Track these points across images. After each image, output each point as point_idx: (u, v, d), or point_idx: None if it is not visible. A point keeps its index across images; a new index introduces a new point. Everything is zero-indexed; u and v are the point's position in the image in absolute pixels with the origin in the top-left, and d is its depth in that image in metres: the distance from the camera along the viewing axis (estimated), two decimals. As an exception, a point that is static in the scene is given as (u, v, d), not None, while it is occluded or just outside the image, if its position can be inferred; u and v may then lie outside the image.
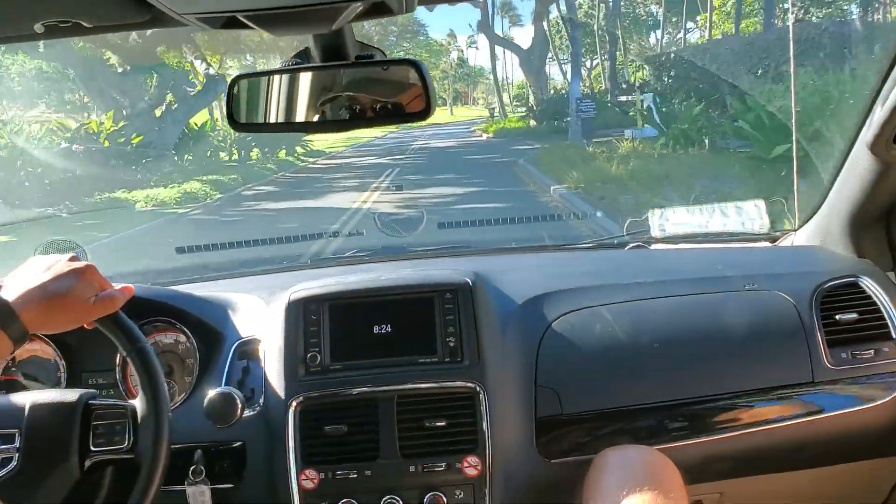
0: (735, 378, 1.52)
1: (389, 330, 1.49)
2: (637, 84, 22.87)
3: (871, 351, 1.55)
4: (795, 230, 1.98)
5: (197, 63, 19.86)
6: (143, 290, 1.51)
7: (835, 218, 1.78)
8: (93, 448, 1.21)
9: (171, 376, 1.54)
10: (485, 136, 25.61)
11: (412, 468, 1.39)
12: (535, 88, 27.90)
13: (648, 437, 1.48)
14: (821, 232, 1.85)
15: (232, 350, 1.54)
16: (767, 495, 1.65)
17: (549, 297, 1.62)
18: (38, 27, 0.89)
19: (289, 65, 1.14)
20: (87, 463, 1.20)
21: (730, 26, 21.34)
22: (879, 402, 1.53)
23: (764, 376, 1.53)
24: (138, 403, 1.22)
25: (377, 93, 1.15)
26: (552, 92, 28.83)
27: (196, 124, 19.42)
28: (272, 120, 1.19)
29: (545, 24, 28.40)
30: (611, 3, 28.27)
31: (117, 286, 1.20)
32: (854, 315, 1.59)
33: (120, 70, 18.62)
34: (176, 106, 18.75)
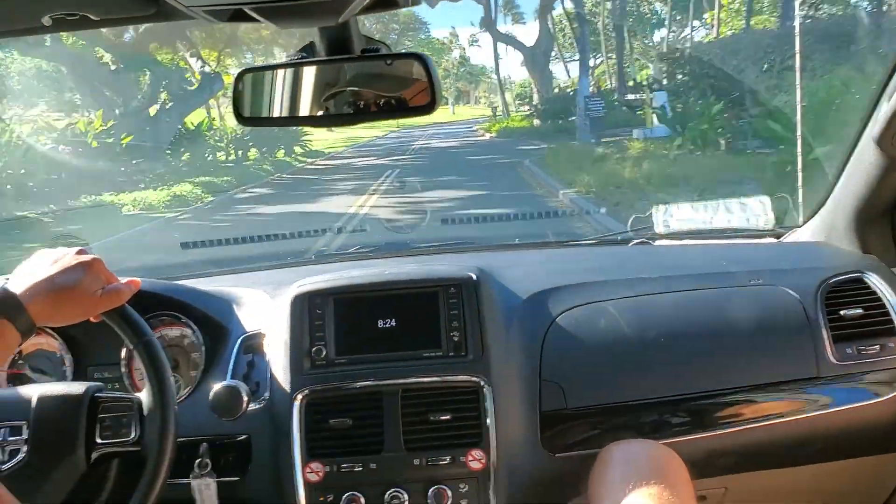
0: (740, 373, 1.52)
1: (394, 324, 1.49)
2: (647, 82, 22.17)
3: (877, 346, 1.55)
4: (800, 226, 1.98)
5: (192, 60, 19.34)
6: (148, 284, 1.52)
7: (840, 213, 1.78)
8: (99, 440, 1.21)
9: (176, 370, 1.55)
10: (487, 135, 25.22)
11: (417, 461, 1.39)
12: (539, 87, 27.48)
13: (653, 432, 1.49)
14: (826, 227, 1.85)
15: (237, 344, 1.54)
16: (772, 490, 1.65)
17: (554, 292, 1.62)
18: (46, 20, 0.89)
19: (294, 59, 1.14)
20: (94, 455, 1.21)
21: (739, 23, 21.03)
22: (884, 398, 1.53)
23: (769, 371, 1.53)
24: (144, 396, 1.22)
25: (382, 87, 1.15)
26: (556, 90, 28.60)
27: (192, 123, 19.00)
28: (277, 114, 1.19)
29: (549, 20, 28.11)
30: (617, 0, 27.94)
31: (123, 280, 1.21)
32: (859, 310, 1.58)
33: (113, 67, 18.10)
34: (171, 104, 18.27)
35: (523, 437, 1.46)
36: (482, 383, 1.43)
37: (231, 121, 20.97)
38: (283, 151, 20.04)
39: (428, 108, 1.13)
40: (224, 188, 14.30)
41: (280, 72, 1.17)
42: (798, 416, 1.52)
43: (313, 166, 19.02)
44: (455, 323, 1.48)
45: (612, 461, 1.32)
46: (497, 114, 33.58)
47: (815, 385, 1.53)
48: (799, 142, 2.39)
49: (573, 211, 8.41)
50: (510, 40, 30.50)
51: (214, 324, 1.58)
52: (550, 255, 2.08)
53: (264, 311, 1.60)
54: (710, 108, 12.92)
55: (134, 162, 15.31)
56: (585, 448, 1.46)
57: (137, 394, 1.25)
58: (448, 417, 1.42)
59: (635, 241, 2.05)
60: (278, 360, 1.49)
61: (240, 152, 19.07)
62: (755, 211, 2.14)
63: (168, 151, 16.99)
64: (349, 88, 1.16)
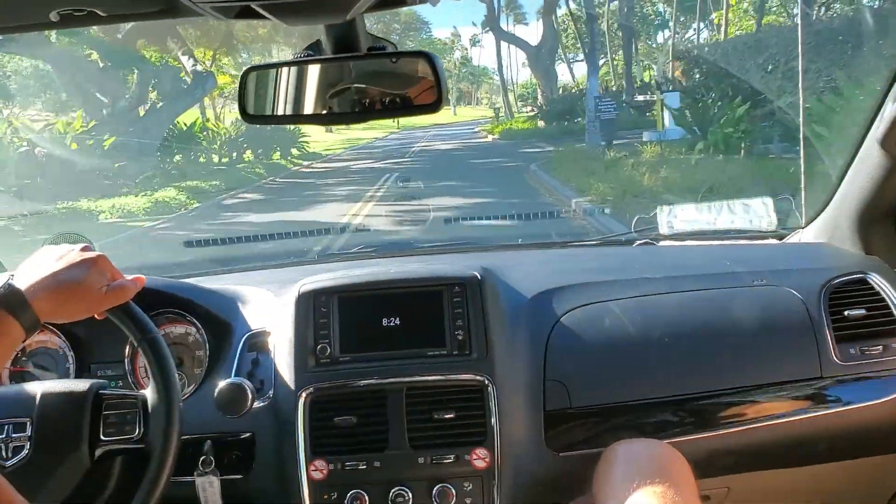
0: (743, 373, 1.53)
1: (398, 323, 1.49)
2: (657, 82, 21.58)
3: (880, 347, 1.55)
4: (803, 227, 1.98)
5: (184, 59, 18.70)
6: (153, 281, 1.52)
7: (843, 214, 1.78)
8: (103, 437, 1.21)
9: (181, 367, 1.55)
10: (490, 137, 24.88)
11: (421, 460, 1.39)
12: (543, 87, 27.15)
13: (656, 431, 1.48)
14: (829, 228, 1.85)
15: (242, 342, 1.54)
16: (775, 490, 1.65)
17: (558, 291, 1.62)
18: (54, 15, 0.89)
19: (300, 57, 1.14)
20: (98, 452, 1.21)
21: (748, 24, 20.73)
22: (887, 398, 1.53)
23: (772, 371, 1.53)
24: (149, 393, 1.22)
25: (388, 85, 1.16)
26: (561, 91, 28.30)
27: (185, 124, 18.31)
28: (282, 112, 1.20)
29: (554, 18, 27.80)
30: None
31: (128, 277, 1.21)
32: (862, 311, 1.59)
33: (101, 65, 17.23)
34: (161, 104, 17.60)
35: (527, 436, 1.46)
36: (486, 382, 1.43)
37: (226, 121, 20.24)
38: (279, 153, 19.51)
39: (433, 106, 1.13)
40: (211, 193, 13.68)
41: (286, 69, 1.17)
42: (801, 417, 1.52)
43: (308, 169, 18.49)
44: (459, 322, 1.48)
45: (616, 460, 1.32)
46: (500, 115, 33.29)
47: (818, 385, 1.53)
48: (801, 143, 2.39)
49: (590, 227, 7.63)
50: (514, 39, 30.35)
51: (219, 321, 1.58)
52: (554, 255, 2.08)
53: (269, 309, 1.60)
54: (734, 110, 12.19)
55: (117, 165, 14.59)
56: (589, 447, 1.46)
57: (142, 391, 1.25)
58: (452, 416, 1.42)
59: (639, 241, 2.05)
60: (283, 357, 1.49)
61: (234, 154, 18.49)
62: (758, 212, 2.14)
63: (159, 154, 16.40)
64: (355, 86, 1.16)
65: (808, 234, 1.94)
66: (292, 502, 1.41)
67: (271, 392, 1.47)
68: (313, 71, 1.16)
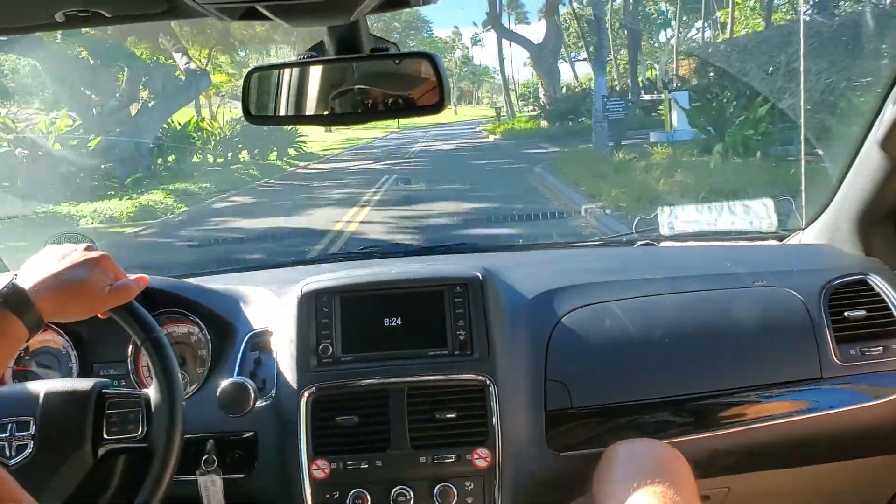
0: (743, 374, 1.53)
1: (400, 323, 1.49)
2: (665, 81, 20.94)
3: (880, 348, 1.56)
4: (803, 228, 1.99)
5: (177, 56, 18.12)
6: (156, 281, 1.53)
7: (843, 216, 1.78)
8: (106, 436, 1.22)
9: (183, 367, 1.55)
10: (492, 137, 24.55)
11: (422, 459, 1.40)
12: (546, 86, 26.73)
13: (657, 431, 1.49)
14: (829, 230, 1.86)
15: (244, 341, 1.55)
16: (775, 491, 1.65)
17: (559, 292, 1.63)
18: (59, 16, 0.90)
19: (303, 58, 1.15)
20: (101, 451, 1.21)
21: (755, 22, 20.44)
22: (887, 399, 1.53)
23: (772, 372, 1.53)
24: (152, 392, 1.23)
25: (390, 86, 1.16)
26: (564, 90, 27.96)
27: (178, 123, 17.74)
28: (285, 113, 1.20)
29: (556, 17, 27.52)
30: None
31: (132, 276, 1.21)
32: (862, 312, 1.59)
33: (91, 62, 16.27)
34: (153, 103, 16.90)
35: (528, 435, 1.46)
36: (488, 382, 1.43)
37: (222, 121, 19.64)
38: (275, 153, 18.98)
39: (436, 107, 1.14)
40: (201, 197, 12.98)
41: (289, 70, 1.18)
42: (801, 417, 1.52)
43: (304, 170, 18.02)
44: (461, 322, 1.48)
45: (617, 460, 1.32)
46: (501, 114, 33.04)
47: (818, 386, 1.53)
48: (801, 144, 2.39)
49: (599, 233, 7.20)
50: (517, 37, 30.09)
51: (222, 321, 1.59)
52: (555, 255, 2.08)
53: (271, 308, 1.60)
54: (755, 110, 11.41)
55: (103, 166, 13.97)
56: (590, 447, 1.47)
57: (145, 390, 1.25)
58: (454, 416, 1.42)
59: (640, 242, 2.06)
60: (285, 357, 1.49)
61: (229, 154, 17.94)
62: (759, 213, 2.15)
63: (150, 154, 15.75)
64: (357, 87, 1.17)
65: (808, 236, 1.95)
66: (294, 502, 1.41)
67: (273, 391, 1.48)
68: (316, 72, 1.17)
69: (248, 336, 1.56)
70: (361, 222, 8.89)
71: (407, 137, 26.00)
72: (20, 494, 1.05)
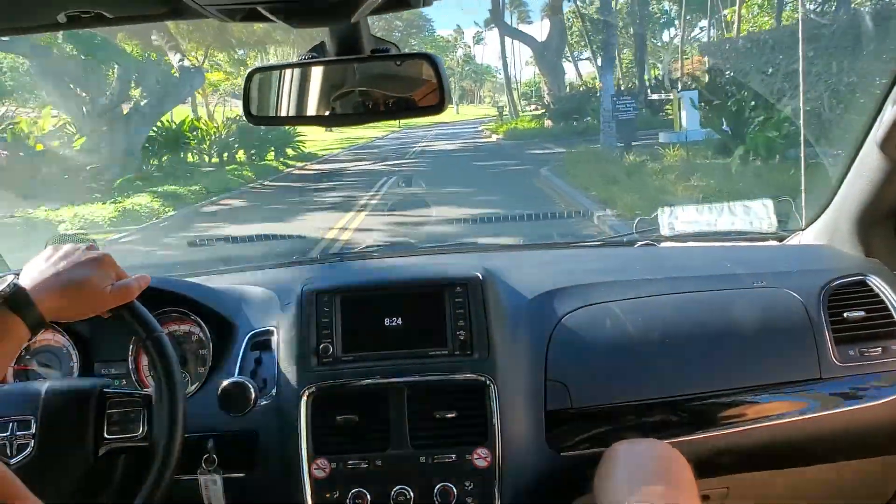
0: (743, 374, 1.53)
1: (400, 323, 1.50)
2: (673, 80, 20.22)
3: (879, 349, 1.56)
4: (803, 229, 1.99)
5: (171, 54, 17.05)
6: (157, 280, 1.53)
7: (843, 216, 1.78)
8: (107, 436, 1.22)
9: (184, 366, 1.56)
10: (494, 137, 24.15)
11: (422, 459, 1.40)
12: (550, 85, 26.16)
13: (657, 432, 1.49)
14: (829, 230, 1.86)
15: (245, 341, 1.55)
16: (774, 491, 1.66)
17: (559, 292, 1.63)
18: (62, 17, 0.90)
19: (304, 58, 1.15)
20: (102, 450, 1.22)
21: (764, 20, 20.12)
22: (886, 400, 1.53)
23: (772, 373, 1.54)
24: (153, 392, 1.23)
25: (391, 87, 1.17)
26: (569, 88, 27.58)
27: (173, 122, 17.06)
28: (286, 113, 1.21)
29: (561, 14, 27.27)
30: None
31: (133, 276, 1.21)
32: (862, 313, 1.59)
33: (81, 59, 15.53)
34: (144, 102, 15.94)
35: (528, 435, 1.46)
36: (488, 382, 1.44)
37: (219, 119, 19.14)
38: (273, 153, 18.34)
39: (436, 108, 1.14)
40: (190, 200, 12.26)
41: (290, 71, 1.18)
42: (800, 418, 1.52)
43: (300, 172, 17.23)
44: (461, 322, 1.49)
45: (617, 460, 1.33)
46: (504, 114, 32.75)
47: (817, 386, 1.53)
48: (802, 144, 2.40)
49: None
50: (521, 35, 29.78)
51: (223, 321, 1.59)
52: (556, 256, 2.08)
53: (272, 308, 1.61)
54: (778, 110, 10.57)
55: (88, 168, 13.27)
56: (590, 447, 1.47)
57: (146, 389, 1.26)
58: (454, 415, 1.42)
59: (640, 242, 2.06)
60: (286, 357, 1.50)
61: (225, 155, 17.33)
62: (759, 214, 2.15)
63: (139, 155, 15.11)
64: (358, 88, 1.17)
65: (808, 236, 1.95)
66: (295, 501, 1.42)
67: (274, 391, 1.48)
68: (317, 72, 1.17)
69: (248, 335, 1.56)
70: (357, 230, 8.36)
71: (408, 137, 25.66)
72: (22, 493, 1.05)
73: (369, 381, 1.45)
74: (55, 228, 9.69)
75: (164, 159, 15.98)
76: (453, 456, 1.41)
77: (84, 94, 15.52)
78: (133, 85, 16.27)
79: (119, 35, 15.80)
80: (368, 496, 1.39)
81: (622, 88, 22.62)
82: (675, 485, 1.22)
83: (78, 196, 11.36)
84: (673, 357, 1.54)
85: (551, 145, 16.89)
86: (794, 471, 1.59)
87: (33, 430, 1.20)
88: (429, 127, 29.54)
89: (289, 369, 1.48)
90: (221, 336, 1.58)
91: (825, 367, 1.53)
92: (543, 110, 26.27)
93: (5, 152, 12.60)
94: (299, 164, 18.27)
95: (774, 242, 2.03)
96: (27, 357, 1.59)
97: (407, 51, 1.15)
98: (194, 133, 17.51)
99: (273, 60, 1.20)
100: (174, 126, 16.97)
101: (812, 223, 1.94)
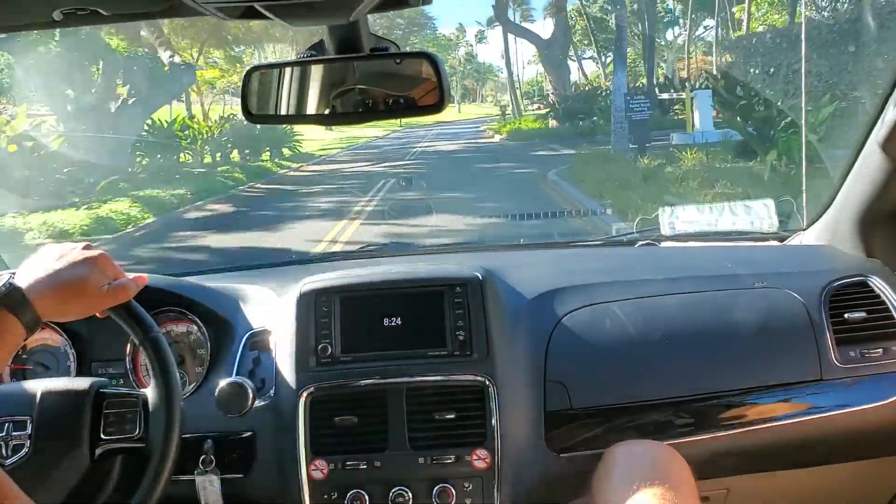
0: (743, 375, 1.53)
1: (399, 323, 1.49)
2: (684, 78, 19.95)
3: (880, 350, 1.55)
4: (804, 229, 1.98)
5: (161, 50, 16.57)
6: (155, 279, 1.52)
7: (844, 217, 1.78)
8: (104, 436, 1.21)
9: (182, 366, 1.55)
10: (497, 137, 23.59)
11: (421, 460, 1.40)
12: (555, 84, 25.82)
13: (657, 433, 1.49)
14: (830, 231, 1.85)
15: (243, 340, 1.54)
16: (774, 493, 1.65)
17: (559, 292, 1.62)
18: (57, 14, 0.90)
19: (304, 57, 1.15)
20: (98, 451, 1.21)
21: (774, 18, 19.85)
22: (887, 401, 1.53)
23: (772, 373, 1.53)
24: (150, 392, 1.22)
25: (391, 86, 1.16)
26: (574, 87, 27.18)
27: (165, 121, 16.48)
28: (285, 112, 1.20)
29: (565, 11, 26.95)
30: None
31: (130, 275, 1.21)
32: (863, 314, 1.59)
33: (65, 54, 14.60)
34: (133, 100, 15.40)
35: (528, 436, 1.46)
36: (487, 383, 1.43)
37: (214, 118, 18.62)
38: (268, 153, 17.70)
39: (436, 107, 1.14)
40: (173, 205, 11.47)
41: (289, 69, 1.18)
42: (801, 419, 1.52)
43: (294, 174, 16.57)
44: (460, 322, 1.48)
45: (616, 461, 1.32)
46: (507, 113, 32.27)
47: (818, 387, 1.53)
48: (803, 145, 2.39)
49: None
50: (525, 32, 29.47)
51: (220, 320, 1.59)
52: (556, 255, 2.08)
53: (270, 308, 1.60)
54: (818, 110, 9.72)
55: (66, 170, 12.45)
56: (590, 448, 1.46)
57: (142, 389, 1.25)
58: (453, 416, 1.42)
59: (641, 242, 2.05)
60: (284, 357, 1.49)
61: (218, 155, 16.67)
62: (760, 214, 2.14)
63: (127, 155, 14.41)
64: (358, 87, 1.17)
65: (809, 237, 1.94)
66: (292, 501, 1.41)
67: (272, 391, 1.47)
68: (317, 71, 1.17)
69: (246, 335, 1.56)
70: (350, 241, 7.78)
71: (409, 136, 25.34)
72: (16, 494, 1.04)
73: (368, 381, 1.44)
74: (22, 238, 9.06)
75: (158, 158, 15.49)
76: (452, 457, 1.40)
77: (69, 91, 14.94)
78: (120, 83, 15.74)
79: (105, 28, 14.86)
80: (367, 497, 1.39)
81: (629, 87, 22.30)
82: (674, 486, 1.21)
83: (55, 201, 10.75)
84: (673, 357, 1.54)
85: (557, 146, 16.45)
86: (795, 472, 1.59)
87: (29, 431, 1.19)
88: (430, 126, 29.39)
89: (287, 370, 1.47)
90: (219, 336, 1.57)
91: (826, 368, 1.53)
92: (548, 110, 25.73)
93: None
94: (295, 166, 17.69)
95: (775, 243, 2.03)
96: (24, 357, 1.58)
97: (408, 49, 1.15)
98: (186, 132, 16.90)
99: (271, 58, 1.18)
100: (165, 125, 16.49)
101: (813, 223, 1.94)
